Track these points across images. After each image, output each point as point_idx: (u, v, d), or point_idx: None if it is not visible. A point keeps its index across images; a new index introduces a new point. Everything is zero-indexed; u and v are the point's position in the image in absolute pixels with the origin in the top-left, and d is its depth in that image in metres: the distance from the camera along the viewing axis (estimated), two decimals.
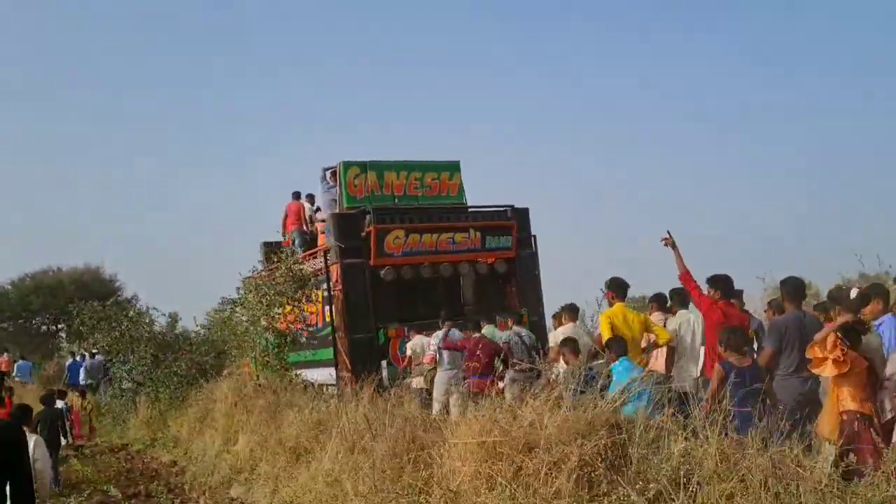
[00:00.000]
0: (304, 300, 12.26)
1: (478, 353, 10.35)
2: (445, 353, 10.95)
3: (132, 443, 16.39)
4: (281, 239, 16.57)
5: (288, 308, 12.20)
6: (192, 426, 14.03)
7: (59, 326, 44.95)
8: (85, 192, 72.50)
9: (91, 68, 73.92)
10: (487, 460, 5.36)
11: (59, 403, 12.49)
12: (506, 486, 5.12)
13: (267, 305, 12.01)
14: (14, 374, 25.59)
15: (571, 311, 10.54)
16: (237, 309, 12.66)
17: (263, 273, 13.26)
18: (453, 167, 14.70)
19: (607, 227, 71.67)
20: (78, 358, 25.14)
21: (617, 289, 8.81)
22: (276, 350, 12.24)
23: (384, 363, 12.60)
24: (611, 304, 8.78)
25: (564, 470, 4.95)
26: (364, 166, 13.88)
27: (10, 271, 54.99)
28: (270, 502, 8.58)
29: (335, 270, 13.06)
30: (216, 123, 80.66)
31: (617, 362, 7.48)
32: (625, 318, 8.58)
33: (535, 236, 14.71)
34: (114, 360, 16.82)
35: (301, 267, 12.59)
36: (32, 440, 7.35)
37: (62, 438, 12.56)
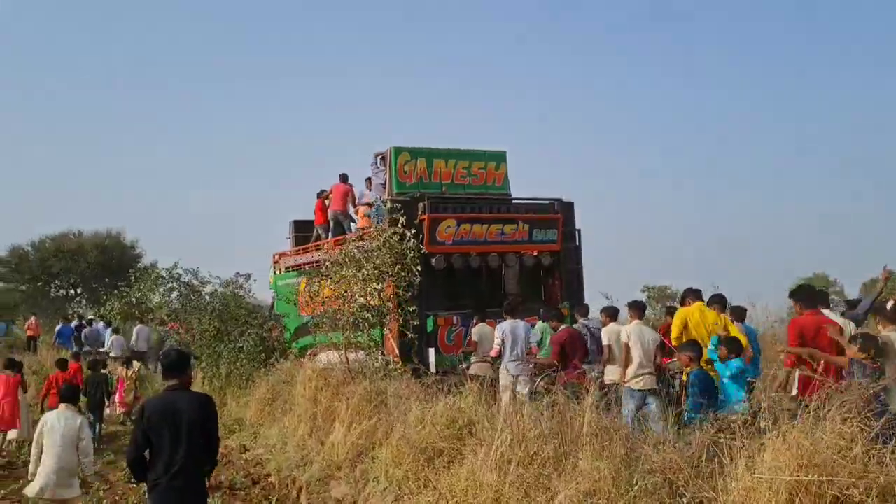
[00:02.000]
0: (403, 275, 10.80)
1: (576, 344, 10.34)
2: (509, 344, 10.61)
3: None
4: (311, 217, 16.60)
5: (375, 285, 10.69)
6: (259, 409, 12.61)
7: (79, 291, 43.51)
8: (109, 155, 71.30)
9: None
10: None
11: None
12: None
13: (364, 280, 10.50)
14: (55, 339, 24.02)
15: (637, 309, 10.01)
16: (325, 283, 11.13)
17: (350, 247, 11.72)
18: (500, 157, 14.49)
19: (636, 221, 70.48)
20: (74, 323, 24.82)
21: (692, 294, 8.90)
22: (368, 329, 10.73)
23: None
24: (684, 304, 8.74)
25: None
26: (414, 153, 13.75)
27: (31, 233, 53.69)
28: None
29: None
30: (254, 101, 79.50)
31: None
32: (702, 316, 8.55)
33: (579, 230, 14.47)
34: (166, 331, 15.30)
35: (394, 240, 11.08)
36: (78, 421, 7.59)
37: (105, 402, 13.03)
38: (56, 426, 7.47)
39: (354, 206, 15.98)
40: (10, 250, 41.82)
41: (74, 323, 25.16)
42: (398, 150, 13.69)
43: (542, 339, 11.46)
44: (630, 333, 9.46)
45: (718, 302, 9.48)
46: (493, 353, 10.99)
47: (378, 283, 10.49)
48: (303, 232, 17.75)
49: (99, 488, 9.83)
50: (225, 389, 14.28)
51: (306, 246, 16.85)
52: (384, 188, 13.86)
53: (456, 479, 6.90)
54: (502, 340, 10.64)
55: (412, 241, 10.73)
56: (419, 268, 10.76)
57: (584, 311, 11.83)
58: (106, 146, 71.65)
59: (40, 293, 42.30)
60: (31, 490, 7.43)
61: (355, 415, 9.53)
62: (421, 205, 12.68)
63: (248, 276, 14.41)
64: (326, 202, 16.65)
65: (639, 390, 9.29)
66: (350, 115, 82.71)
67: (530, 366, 10.62)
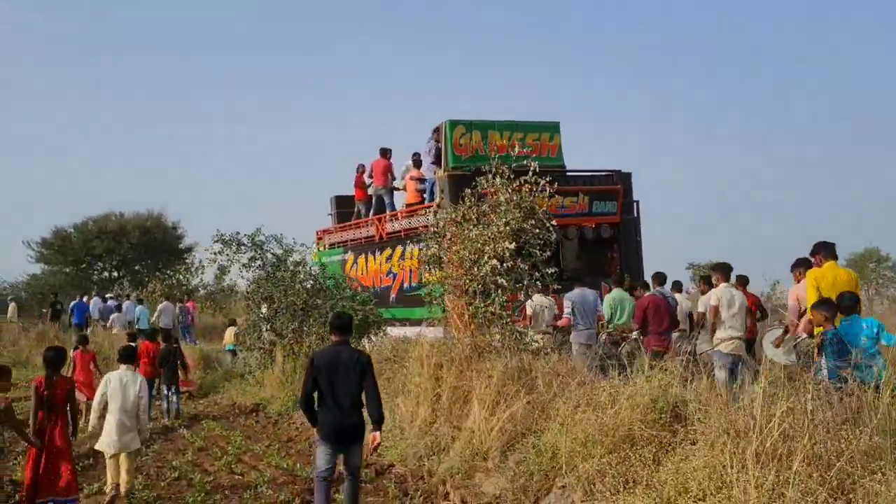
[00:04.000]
0: (536, 231, 9.25)
1: (658, 312, 9.97)
2: (580, 312, 10.44)
3: (263, 403, 13.58)
4: (352, 193, 16.41)
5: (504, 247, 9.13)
6: None
7: (122, 273, 42.40)
8: (151, 136, 70.42)
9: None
10: None
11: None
12: None
13: (492, 238, 8.95)
14: (70, 313, 23.02)
15: (724, 271, 9.54)
16: (437, 245, 9.57)
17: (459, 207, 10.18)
18: (553, 128, 14.10)
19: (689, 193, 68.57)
20: (89, 299, 25.05)
21: (824, 249, 8.08)
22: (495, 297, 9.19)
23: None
24: (819, 265, 7.94)
25: None
26: (469, 125, 13.42)
27: (74, 215, 52.81)
28: None
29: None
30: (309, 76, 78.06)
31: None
32: (835, 279, 7.77)
33: (637, 202, 14.15)
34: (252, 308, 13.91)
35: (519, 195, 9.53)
36: (139, 381, 7.87)
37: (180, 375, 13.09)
38: (118, 384, 7.74)
39: (393, 181, 15.67)
40: (54, 232, 40.78)
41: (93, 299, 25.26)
42: (453, 123, 13.30)
43: (617, 308, 10.90)
44: (720, 296, 9.23)
45: (805, 265, 8.73)
46: (561, 323, 10.67)
47: (511, 242, 8.93)
48: (344, 208, 17.29)
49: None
50: None
51: (350, 223, 16.34)
52: (439, 162, 13.50)
53: (681, 475, 5.40)
54: (572, 309, 10.38)
55: (546, 189, 9.13)
56: (554, 222, 9.18)
57: (661, 279, 11.38)
58: (148, 125, 70.82)
59: (84, 275, 41.26)
60: (99, 445, 7.68)
61: (498, 396, 8.05)
62: (482, 177, 11.74)
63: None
64: (365, 177, 16.18)
65: (728, 354, 9.10)
66: (391, 89, 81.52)
67: (602, 335, 10.52)
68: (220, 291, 38.57)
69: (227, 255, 12.97)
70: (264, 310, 12.97)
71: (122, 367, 7.96)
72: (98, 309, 23.95)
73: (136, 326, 21.11)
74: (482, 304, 9.20)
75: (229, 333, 17.00)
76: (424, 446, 8.56)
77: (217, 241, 12.95)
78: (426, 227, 12.57)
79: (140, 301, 24.23)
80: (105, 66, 70.47)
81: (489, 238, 8.94)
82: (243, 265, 13.12)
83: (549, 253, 9.31)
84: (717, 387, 6.79)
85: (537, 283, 9.35)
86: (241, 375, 15.74)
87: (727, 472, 5.08)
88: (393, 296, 14.27)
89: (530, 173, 9.23)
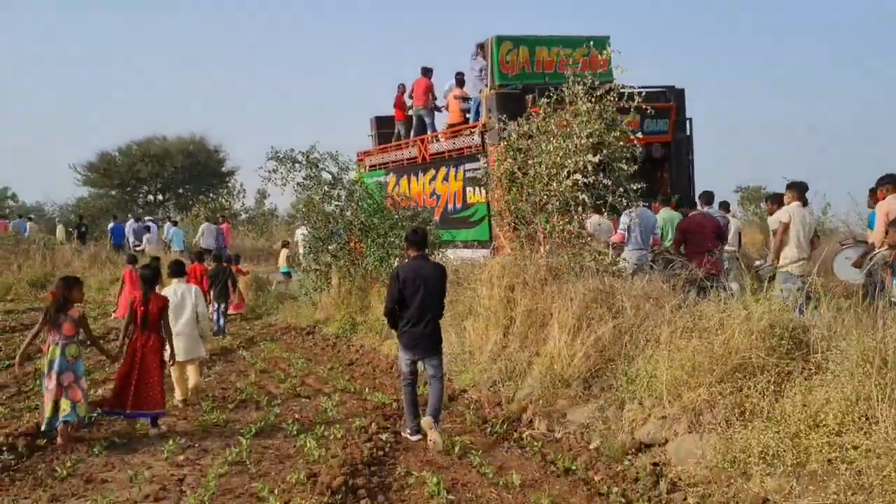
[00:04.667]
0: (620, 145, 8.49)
1: (701, 232, 9.28)
2: (635, 232, 9.88)
3: (320, 325, 13.25)
4: (392, 113, 15.95)
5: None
6: None
7: (167, 195, 42.45)
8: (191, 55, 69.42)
9: None
10: None
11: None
12: None
13: (574, 152, 8.20)
14: (167, 238, 22.82)
15: (800, 190, 8.87)
16: (514, 159, 8.84)
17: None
18: (602, 42, 13.00)
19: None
20: (129, 222, 24.85)
21: (891, 181, 7.80)
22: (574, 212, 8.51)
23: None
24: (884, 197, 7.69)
25: None
26: (516, 41, 12.82)
27: (118, 139, 52.77)
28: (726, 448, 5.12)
29: (495, 151, 11.44)
30: None
31: None
32: None
33: (690, 119, 13.39)
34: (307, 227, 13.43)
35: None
36: (193, 291, 8.31)
37: (230, 293, 13.21)
38: (175, 297, 7.96)
39: (433, 101, 15.14)
40: (99, 156, 40.76)
41: (129, 222, 25.06)
42: (500, 40, 12.68)
43: (669, 228, 10.42)
44: (792, 214, 8.65)
45: (890, 181, 8.21)
46: (615, 239, 10.08)
47: (594, 156, 8.19)
48: (385, 129, 16.68)
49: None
50: (368, 289, 12.42)
51: (391, 144, 15.78)
52: (483, 80, 12.89)
53: (810, 407, 4.83)
54: (628, 227, 9.85)
55: (636, 98, 8.32)
56: (639, 134, 8.40)
57: (708, 198, 11.05)
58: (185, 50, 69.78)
59: (130, 198, 41.39)
60: (166, 356, 7.52)
61: (580, 319, 7.50)
62: (530, 96, 11.68)
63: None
64: (406, 97, 15.65)
65: (798, 276, 8.47)
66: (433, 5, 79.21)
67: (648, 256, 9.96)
68: (261, 215, 38.71)
69: (282, 173, 12.38)
70: (319, 231, 12.44)
71: (175, 280, 8.30)
72: (133, 230, 24.07)
73: (171, 247, 21.66)
74: (560, 223, 8.53)
75: (283, 256, 16.67)
76: (498, 371, 8.09)
77: (272, 159, 12.35)
78: (410, 160, 12.35)
79: (175, 222, 24.37)
80: None
81: (570, 151, 8.19)
82: (298, 184, 12.53)
83: (635, 167, 8.54)
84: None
85: (622, 199, 8.62)
86: (293, 297, 15.47)
87: (871, 404, 4.49)
88: (436, 218, 13.79)
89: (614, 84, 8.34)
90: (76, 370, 6.58)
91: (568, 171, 8.30)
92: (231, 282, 13.38)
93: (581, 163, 8.21)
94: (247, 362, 10.61)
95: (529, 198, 8.78)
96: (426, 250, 6.96)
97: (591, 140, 8.23)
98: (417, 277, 6.59)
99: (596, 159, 8.21)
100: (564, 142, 8.29)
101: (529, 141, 8.99)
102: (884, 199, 8.18)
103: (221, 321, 13.20)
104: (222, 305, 13.07)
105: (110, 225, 25.72)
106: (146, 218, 26.93)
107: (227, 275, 13.37)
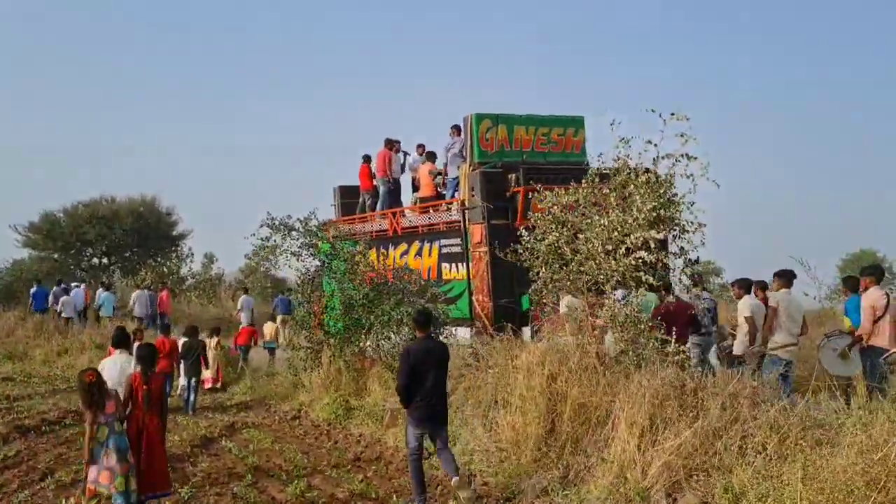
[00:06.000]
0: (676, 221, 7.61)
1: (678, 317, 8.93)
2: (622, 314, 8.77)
3: (305, 407, 11.80)
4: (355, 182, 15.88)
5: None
6: None
7: (112, 259, 40.10)
8: (142, 120, 67.60)
9: None
10: None
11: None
12: None
13: (637, 226, 7.22)
14: (97, 303, 21.07)
15: (786, 278, 9.05)
16: (558, 233, 7.81)
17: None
18: (578, 123, 13.44)
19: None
20: (57, 287, 23.39)
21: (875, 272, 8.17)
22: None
23: (527, 329, 10.81)
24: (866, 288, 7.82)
25: None
26: (496, 119, 12.77)
27: (63, 198, 50.23)
28: None
29: (478, 231, 11.90)
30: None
31: None
32: None
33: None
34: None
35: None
36: (131, 364, 7.47)
37: (203, 368, 12.68)
38: (114, 371, 7.46)
39: (391, 172, 15.14)
40: (42, 216, 38.34)
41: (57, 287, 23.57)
42: (480, 117, 12.61)
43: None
44: (780, 301, 8.88)
45: (873, 273, 8.59)
46: (600, 323, 8.87)
47: (656, 231, 7.27)
48: (348, 198, 16.32)
49: None
50: (366, 372, 11.12)
51: (357, 215, 15.37)
52: (462, 157, 12.82)
53: None
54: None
55: (691, 176, 7.42)
56: (695, 209, 7.49)
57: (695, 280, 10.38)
58: (139, 112, 68.11)
59: (73, 261, 38.95)
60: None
61: (652, 420, 6.42)
62: (513, 175, 11.83)
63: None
64: (373, 167, 15.42)
65: (786, 359, 8.70)
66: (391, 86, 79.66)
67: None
68: (207, 280, 36.88)
69: (275, 241, 11.13)
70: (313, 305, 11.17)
71: (117, 351, 7.94)
72: (53, 293, 22.65)
73: (100, 313, 20.48)
74: (612, 304, 7.51)
75: (269, 329, 15.20)
76: (550, 478, 6.89)
77: (265, 225, 11.10)
78: (457, 222, 12.31)
79: (108, 286, 23.06)
80: (95, 50, 67.63)
81: (633, 224, 7.24)
82: (292, 253, 11.30)
83: (697, 247, 7.64)
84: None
85: (682, 279, 7.71)
86: (270, 374, 14.01)
87: None
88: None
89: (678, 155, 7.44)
90: (126, 447, 6.47)
91: (627, 248, 7.34)
92: (203, 357, 12.59)
93: (639, 239, 7.25)
94: (235, 457, 9.13)
95: (580, 276, 7.74)
96: (431, 328, 7.21)
97: (652, 214, 7.30)
98: (428, 356, 6.86)
99: (661, 235, 7.29)
100: (623, 214, 7.33)
101: (570, 214, 8.00)
102: (866, 289, 8.35)
103: (192, 397, 12.17)
104: (193, 380, 12.23)
105: (32, 289, 23.75)
106: (73, 284, 24.77)
107: (200, 348, 12.57)
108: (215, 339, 14.26)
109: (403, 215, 14.28)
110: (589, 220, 7.71)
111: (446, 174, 13.67)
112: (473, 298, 12.18)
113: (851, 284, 9.33)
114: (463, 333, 11.86)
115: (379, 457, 8.88)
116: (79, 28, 67.44)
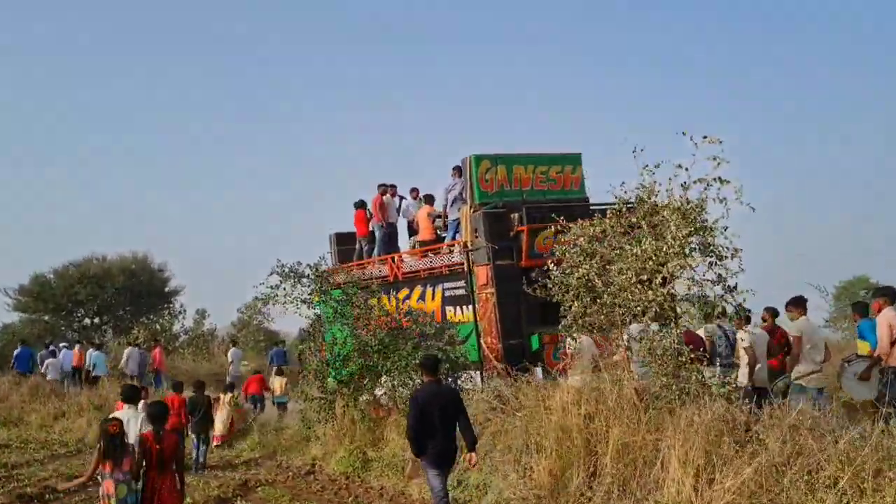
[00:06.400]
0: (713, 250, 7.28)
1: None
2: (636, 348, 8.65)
3: (318, 461, 11.28)
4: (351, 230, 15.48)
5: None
6: None
7: (105, 318, 39.40)
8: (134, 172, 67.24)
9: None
10: None
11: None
12: None
13: (662, 263, 6.91)
14: (88, 364, 20.39)
15: (801, 304, 8.93)
16: (588, 265, 7.47)
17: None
18: (575, 160, 13.34)
19: None
20: (45, 350, 22.91)
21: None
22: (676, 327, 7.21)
23: (538, 369, 10.73)
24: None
25: None
26: (494, 160, 12.65)
27: (54, 261, 49.53)
28: None
29: (483, 272, 11.69)
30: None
31: None
32: None
33: None
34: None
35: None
36: (140, 419, 7.64)
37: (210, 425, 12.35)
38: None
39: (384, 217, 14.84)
40: (32, 279, 37.75)
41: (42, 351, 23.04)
42: (479, 158, 12.48)
43: None
44: (802, 329, 8.76)
45: (886, 294, 8.26)
46: (616, 359, 8.87)
47: (695, 260, 6.96)
48: (344, 245, 15.94)
49: None
50: (382, 421, 10.65)
51: (355, 262, 14.92)
52: (464, 199, 12.67)
53: None
54: (628, 344, 8.84)
55: (724, 200, 7.10)
56: (733, 236, 7.15)
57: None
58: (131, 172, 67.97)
59: (65, 322, 38.25)
60: None
61: (707, 458, 6.02)
62: (516, 215, 11.69)
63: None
64: (367, 213, 15.15)
65: (814, 388, 8.58)
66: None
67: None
68: (199, 336, 36.24)
69: (285, 288, 10.75)
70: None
71: (126, 406, 7.95)
72: (40, 356, 22.18)
73: (94, 373, 19.65)
74: (655, 337, 7.16)
75: (279, 383, 14.71)
76: None
77: (275, 273, 10.73)
78: (458, 264, 12.13)
79: (99, 346, 22.40)
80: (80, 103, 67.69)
81: (668, 253, 6.92)
82: (303, 301, 10.90)
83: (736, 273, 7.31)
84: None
85: (725, 311, 7.38)
86: (278, 429, 13.49)
87: None
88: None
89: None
90: None
91: (663, 277, 7.02)
92: (209, 414, 12.31)
93: (676, 267, 6.94)
94: None
95: (612, 309, 7.40)
96: (439, 373, 7.41)
97: (690, 240, 7.00)
98: (436, 400, 7.03)
99: (704, 261, 6.97)
100: (658, 242, 7.02)
101: (599, 245, 7.69)
102: (880, 310, 8.22)
103: (201, 458, 11.74)
104: (202, 436, 11.89)
105: (16, 350, 23.19)
106: (62, 345, 23.89)
107: (206, 404, 12.21)
108: (229, 395, 13.89)
109: (403, 260, 14.00)
110: (619, 251, 7.38)
111: (446, 216, 13.49)
112: (482, 340, 11.85)
113: (860, 309, 9.37)
114: (473, 377, 11.51)
115: None
116: (63, 76, 67.52)
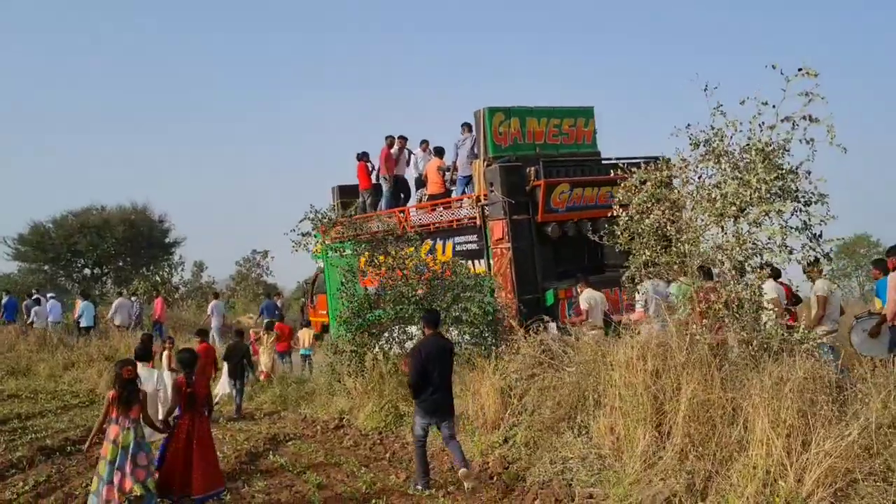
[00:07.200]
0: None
1: None
2: (652, 306, 9.22)
3: (345, 415, 10.83)
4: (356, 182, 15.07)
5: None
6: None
7: (104, 269, 38.72)
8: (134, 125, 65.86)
9: None
10: None
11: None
12: None
13: (759, 200, 6.34)
14: (77, 313, 19.77)
15: (819, 266, 8.70)
16: (661, 211, 6.92)
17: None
18: (588, 113, 13.20)
19: None
20: (28, 298, 22.39)
21: None
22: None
23: (553, 324, 10.56)
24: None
25: None
26: (508, 112, 12.34)
27: (51, 209, 48.55)
28: None
29: (499, 226, 11.35)
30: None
31: None
32: None
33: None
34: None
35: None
36: (155, 376, 9.06)
37: (247, 371, 12.32)
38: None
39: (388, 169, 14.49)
40: (32, 228, 36.99)
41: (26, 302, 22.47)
42: (492, 111, 12.14)
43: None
44: (827, 289, 8.83)
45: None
46: (636, 317, 9.39)
47: (782, 206, 6.41)
48: (347, 198, 15.29)
49: None
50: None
51: (360, 215, 14.04)
52: (475, 154, 12.41)
53: None
54: (645, 301, 9.39)
55: (811, 141, 6.49)
56: (819, 181, 6.57)
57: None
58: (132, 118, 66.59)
59: (65, 273, 37.58)
60: None
61: (798, 416, 5.55)
62: (532, 169, 11.42)
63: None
64: (369, 165, 14.83)
65: (830, 346, 8.49)
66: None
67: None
68: (198, 288, 35.68)
69: (317, 236, 10.16)
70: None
71: (139, 364, 7.98)
72: (25, 305, 22.01)
73: (82, 323, 19.31)
74: (735, 288, 6.63)
75: (306, 335, 14.22)
76: (671, 487, 6.00)
77: (306, 219, 10.14)
78: (470, 218, 11.77)
79: (87, 296, 21.78)
80: (87, 53, 65.99)
81: (753, 197, 6.36)
82: (333, 248, 10.31)
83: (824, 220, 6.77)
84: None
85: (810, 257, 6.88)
86: (300, 382, 13.06)
87: None
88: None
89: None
90: (148, 450, 6.47)
91: (747, 223, 6.47)
92: (248, 361, 12.40)
93: (762, 212, 6.38)
94: (291, 474, 8.16)
95: (685, 258, 6.86)
96: (440, 327, 7.60)
97: (775, 185, 6.43)
98: (437, 352, 7.21)
99: (790, 206, 6.42)
100: (741, 186, 6.45)
101: (667, 190, 7.13)
102: (894, 269, 8.17)
103: (238, 400, 12.06)
104: (238, 383, 12.05)
105: (3, 300, 23.13)
106: (49, 295, 23.29)
107: (244, 351, 12.33)
108: (273, 336, 13.85)
109: (413, 213, 13.46)
110: (695, 197, 6.81)
111: (455, 170, 13.10)
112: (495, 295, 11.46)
113: (882, 266, 9.11)
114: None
115: (452, 467, 7.95)
116: (72, 39, 65.83)
